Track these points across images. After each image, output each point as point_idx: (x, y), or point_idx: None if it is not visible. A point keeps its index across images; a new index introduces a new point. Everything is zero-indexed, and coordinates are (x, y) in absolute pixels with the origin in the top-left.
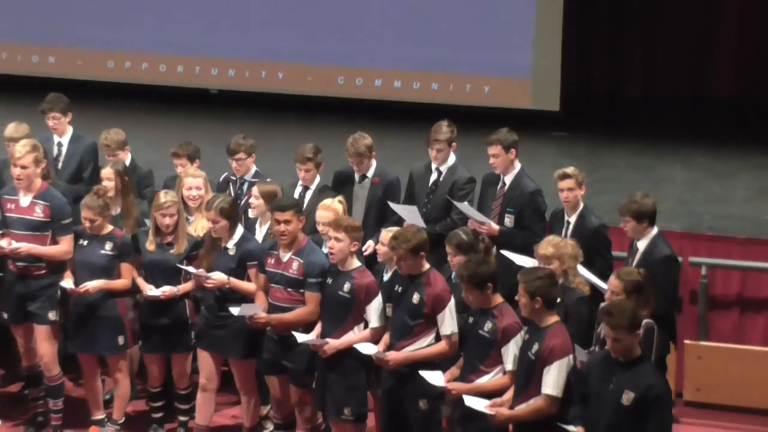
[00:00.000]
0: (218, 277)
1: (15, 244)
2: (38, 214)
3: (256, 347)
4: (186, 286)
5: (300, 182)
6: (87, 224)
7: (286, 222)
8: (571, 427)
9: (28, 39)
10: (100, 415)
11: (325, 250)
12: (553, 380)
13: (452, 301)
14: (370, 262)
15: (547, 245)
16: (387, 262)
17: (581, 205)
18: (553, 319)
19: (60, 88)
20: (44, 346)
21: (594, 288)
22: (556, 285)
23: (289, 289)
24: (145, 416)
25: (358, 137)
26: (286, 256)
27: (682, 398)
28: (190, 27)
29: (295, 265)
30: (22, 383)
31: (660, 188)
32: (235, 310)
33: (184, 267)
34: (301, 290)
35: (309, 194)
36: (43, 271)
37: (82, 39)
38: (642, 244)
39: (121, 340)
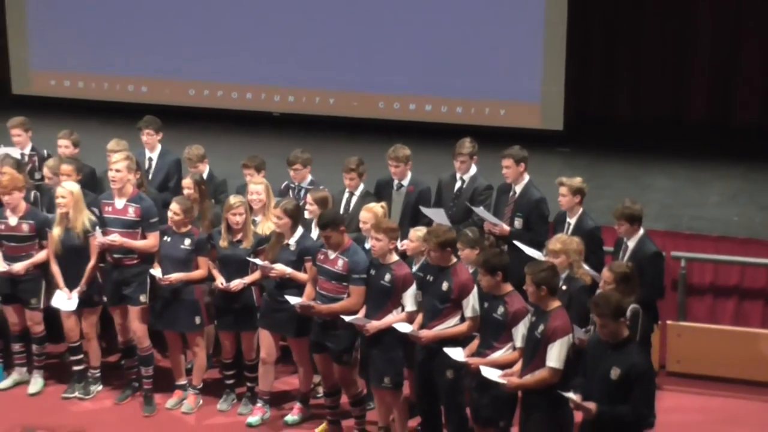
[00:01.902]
0: (280, 268)
1: (112, 237)
2: (131, 214)
3: (309, 327)
4: (252, 277)
5: (346, 189)
6: (172, 216)
7: (327, 236)
8: (570, 394)
9: (124, 72)
10: (182, 381)
11: (367, 245)
12: (555, 355)
13: (475, 289)
14: (402, 256)
15: (556, 242)
16: (415, 256)
17: (580, 210)
18: (556, 304)
19: (151, 112)
20: (136, 324)
21: (594, 279)
22: (558, 275)
23: (334, 282)
24: (219, 383)
25: (399, 146)
26: (333, 254)
27: (665, 369)
28: (256, 61)
29: (340, 262)
30: (119, 354)
31: (646, 194)
32: (291, 300)
33: (251, 259)
34: (344, 283)
35: (354, 199)
36: (134, 262)
37: (169, 71)
38: (632, 243)
39: (198, 320)
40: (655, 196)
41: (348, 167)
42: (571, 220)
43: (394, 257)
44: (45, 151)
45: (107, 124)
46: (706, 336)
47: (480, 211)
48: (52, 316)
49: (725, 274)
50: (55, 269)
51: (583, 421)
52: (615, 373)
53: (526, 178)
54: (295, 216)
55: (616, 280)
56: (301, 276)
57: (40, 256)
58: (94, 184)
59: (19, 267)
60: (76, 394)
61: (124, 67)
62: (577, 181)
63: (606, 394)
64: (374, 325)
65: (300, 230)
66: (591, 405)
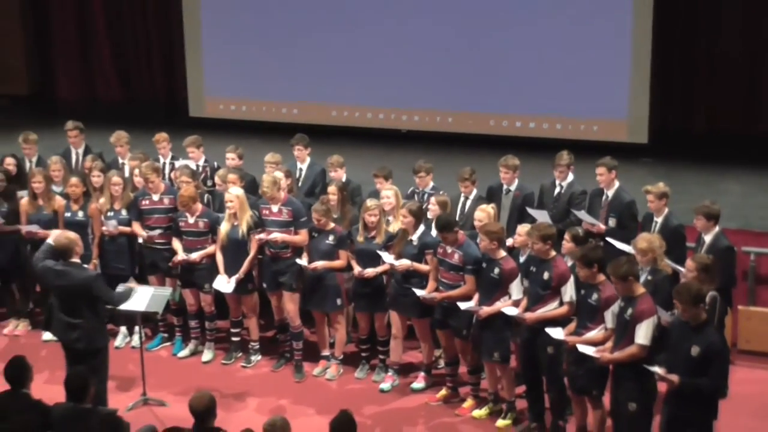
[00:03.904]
0: (405, 262)
1: (274, 235)
2: (284, 216)
3: (430, 310)
4: (383, 267)
5: (462, 194)
6: (315, 222)
7: (444, 237)
8: (655, 368)
9: (279, 97)
10: (326, 353)
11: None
12: (643, 334)
13: (572, 278)
14: (510, 250)
15: (642, 240)
16: (521, 249)
17: (666, 210)
18: (641, 290)
19: (301, 131)
20: (289, 306)
21: (675, 270)
22: (636, 264)
23: (452, 272)
24: (356, 355)
25: (510, 157)
26: (450, 249)
27: (737, 347)
28: (387, 86)
29: (456, 256)
30: (274, 330)
31: (720, 198)
32: (418, 292)
33: (382, 253)
34: (460, 272)
35: (468, 203)
36: (288, 255)
37: (316, 97)
38: (708, 238)
39: (339, 301)
40: (728, 200)
41: (463, 176)
42: (658, 219)
43: (502, 253)
44: (215, 163)
45: (265, 141)
46: None
47: (580, 213)
48: (221, 298)
49: None
50: (219, 258)
51: (668, 390)
52: (695, 350)
53: (617, 183)
54: (418, 216)
55: (697, 269)
56: (423, 267)
57: (211, 249)
58: (254, 190)
59: (195, 256)
60: (233, 361)
61: (279, 94)
62: (660, 186)
63: (687, 369)
64: (486, 310)
65: (422, 228)
66: (674, 377)
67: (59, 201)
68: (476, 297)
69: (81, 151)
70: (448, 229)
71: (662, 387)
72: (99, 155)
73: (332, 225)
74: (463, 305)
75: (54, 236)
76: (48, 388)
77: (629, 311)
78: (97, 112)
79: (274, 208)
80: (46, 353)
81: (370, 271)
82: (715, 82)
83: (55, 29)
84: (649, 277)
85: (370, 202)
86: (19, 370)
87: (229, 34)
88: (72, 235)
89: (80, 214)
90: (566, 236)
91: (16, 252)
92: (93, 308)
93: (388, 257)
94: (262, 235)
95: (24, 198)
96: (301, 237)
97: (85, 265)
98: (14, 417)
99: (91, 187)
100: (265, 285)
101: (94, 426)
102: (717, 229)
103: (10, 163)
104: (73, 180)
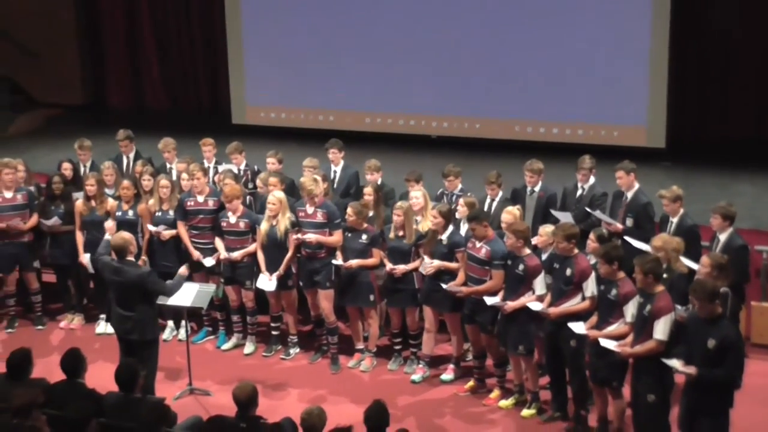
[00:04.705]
0: (435, 263)
1: (309, 236)
2: (319, 218)
3: (460, 305)
4: (413, 264)
5: (488, 196)
6: (347, 217)
7: (473, 228)
8: (674, 361)
9: (316, 105)
10: (360, 346)
11: (506, 239)
12: (661, 329)
13: (593, 274)
14: (534, 248)
15: (659, 239)
16: (544, 248)
17: (681, 211)
18: (660, 288)
19: (336, 136)
20: (324, 303)
21: (690, 268)
22: (662, 265)
23: (478, 266)
24: (389, 348)
25: (534, 161)
26: (479, 243)
27: (750, 341)
28: (418, 94)
29: (483, 251)
30: (312, 325)
31: (733, 200)
32: (445, 285)
33: (422, 266)
34: (486, 267)
35: (494, 204)
36: (323, 255)
37: (350, 104)
38: (723, 237)
39: (372, 297)
40: (741, 201)
41: (489, 179)
42: (674, 220)
43: (527, 251)
44: (256, 167)
45: (303, 145)
46: None
47: (598, 213)
48: (261, 294)
49: None
50: (260, 257)
51: (686, 382)
52: (711, 343)
53: (636, 185)
54: (448, 216)
55: (712, 266)
56: (453, 265)
57: (252, 248)
58: (293, 192)
59: (236, 255)
60: (273, 354)
61: (316, 102)
62: (674, 189)
63: (704, 361)
64: (511, 305)
65: (451, 228)
66: (692, 369)
67: (111, 202)
68: (501, 293)
69: (132, 156)
70: (479, 220)
71: (679, 378)
72: (148, 160)
73: (365, 225)
74: (489, 300)
75: (111, 236)
76: (101, 378)
77: (648, 307)
78: (145, 120)
79: (310, 210)
80: (99, 345)
81: (400, 268)
82: (729, 89)
83: (107, 44)
84: (665, 275)
85: (399, 203)
86: (75, 361)
87: (268, 47)
88: (127, 235)
89: (130, 213)
90: (591, 236)
91: (72, 250)
92: (146, 302)
93: (426, 263)
94: (299, 235)
95: (79, 200)
96: (335, 238)
97: (138, 262)
98: (70, 405)
99: (142, 190)
100: (301, 283)
101: (143, 414)
102: (731, 228)
103: (67, 167)
104: (125, 183)
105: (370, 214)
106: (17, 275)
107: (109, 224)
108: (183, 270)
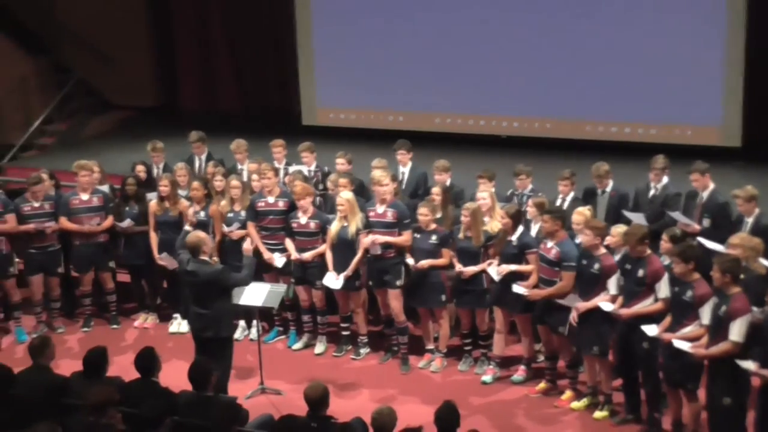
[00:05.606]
0: (505, 267)
1: (378, 237)
2: (389, 217)
3: (531, 306)
4: (482, 265)
5: (560, 195)
6: (421, 217)
7: (544, 221)
8: (749, 363)
9: (385, 106)
10: (431, 346)
11: (577, 240)
12: (737, 330)
13: (666, 275)
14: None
15: (737, 238)
16: (616, 249)
17: (756, 210)
18: (737, 289)
19: (405, 137)
20: (394, 303)
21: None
22: (740, 265)
23: (548, 267)
24: (459, 348)
25: (600, 164)
26: (550, 243)
27: None
28: (488, 95)
29: (553, 251)
30: (382, 325)
31: None
32: (515, 287)
33: (489, 269)
34: (556, 268)
35: (565, 204)
36: (392, 255)
37: (420, 105)
38: None
39: (442, 298)
40: None
41: (563, 176)
42: (749, 220)
43: (602, 249)
44: (326, 168)
45: (372, 147)
46: None
47: (675, 214)
48: (331, 294)
49: None
50: (329, 256)
51: (763, 384)
52: None
53: (711, 185)
54: (516, 218)
55: None
56: (524, 268)
57: (322, 248)
58: (362, 193)
59: (307, 256)
60: (343, 353)
61: (385, 103)
62: (749, 189)
63: None
64: (584, 305)
65: (521, 229)
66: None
67: (184, 203)
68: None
69: (204, 157)
70: (550, 214)
71: (756, 382)
72: (220, 161)
73: (434, 225)
74: (561, 300)
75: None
76: (174, 377)
77: (723, 308)
78: (217, 122)
79: (380, 210)
80: (173, 344)
81: (468, 270)
82: None
83: (179, 47)
84: (741, 276)
85: (467, 204)
86: (149, 360)
87: (338, 50)
88: (202, 234)
89: (202, 214)
90: (664, 236)
91: (145, 250)
92: (221, 300)
93: (492, 271)
94: (368, 238)
95: (152, 200)
96: (405, 238)
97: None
98: (144, 403)
99: (213, 191)
100: (371, 283)
101: (216, 413)
102: None
103: (141, 169)
104: (195, 183)
105: (438, 215)
106: (93, 275)
107: (247, 246)
108: (247, 246)
